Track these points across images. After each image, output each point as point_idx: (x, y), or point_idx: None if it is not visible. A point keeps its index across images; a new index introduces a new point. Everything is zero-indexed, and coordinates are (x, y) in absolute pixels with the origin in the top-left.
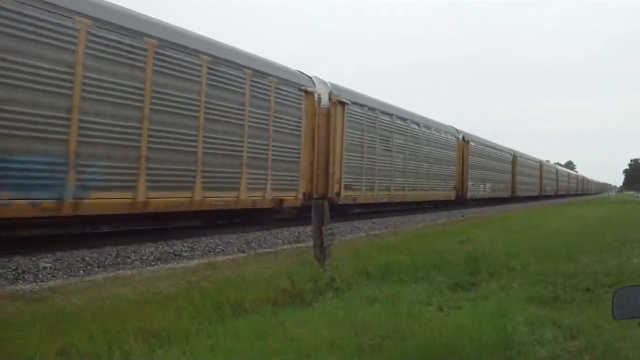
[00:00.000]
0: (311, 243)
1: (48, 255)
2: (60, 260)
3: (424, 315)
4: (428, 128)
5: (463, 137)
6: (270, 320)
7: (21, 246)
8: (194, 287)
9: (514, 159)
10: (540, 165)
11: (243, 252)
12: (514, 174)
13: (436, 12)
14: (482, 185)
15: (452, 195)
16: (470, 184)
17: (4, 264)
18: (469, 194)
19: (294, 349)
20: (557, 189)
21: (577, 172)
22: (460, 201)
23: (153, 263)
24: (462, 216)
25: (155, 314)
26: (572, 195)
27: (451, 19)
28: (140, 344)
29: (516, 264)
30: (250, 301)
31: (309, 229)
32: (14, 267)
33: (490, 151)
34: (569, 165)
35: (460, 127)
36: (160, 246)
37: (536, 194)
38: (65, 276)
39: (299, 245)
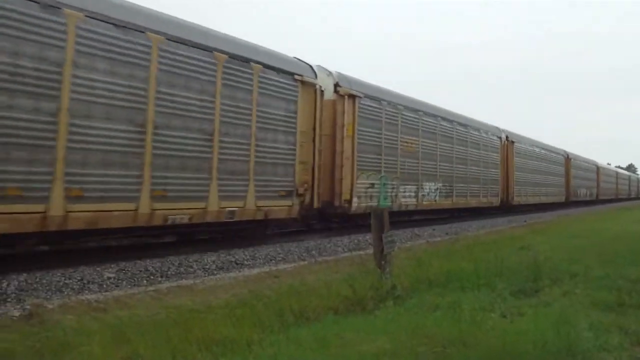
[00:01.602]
0: (371, 251)
1: (112, 266)
2: (124, 270)
3: (487, 322)
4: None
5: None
6: (332, 328)
7: (86, 257)
8: (255, 295)
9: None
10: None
11: (303, 260)
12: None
13: (485, 19)
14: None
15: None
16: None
17: (70, 274)
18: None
19: (356, 357)
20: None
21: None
22: (506, 207)
23: (215, 272)
24: (525, 222)
25: (218, 323)
26: (633, 199)
27: (502, 24)
28: (203, 353)
29: (578, 270)
30: (312, 309)
31: (368, 237)
32: (79, 278)
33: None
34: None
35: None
36: (222, 255)
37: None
38: (129, 286)
39: (359, 252)
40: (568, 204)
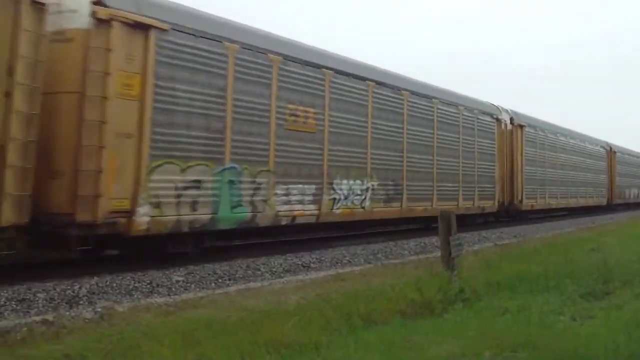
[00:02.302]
0: (438, 254)
1: (181, 269)
2: (192, 273)
3: (557, 325)
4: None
5: (511, 119)
6: (400, 331)
7: (155, 261)
8: (323, 298)
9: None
10: None
11: (369, 263)
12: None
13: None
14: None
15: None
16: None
17: (139, 277)
18: (526, 204)
19: None
20: None
21: None
22: (511, 214)
23: (282, 275)
24: (592, 223)
25: (286, 326)
26: None
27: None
28: (272, 356)
29: None
30: (379, 312)
31: (435, 240)
32: (148, 281)
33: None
34: None
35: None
36: (289, 258)
37: None
38: (198, 289)
39: (425, 256)
40: (612, 207)
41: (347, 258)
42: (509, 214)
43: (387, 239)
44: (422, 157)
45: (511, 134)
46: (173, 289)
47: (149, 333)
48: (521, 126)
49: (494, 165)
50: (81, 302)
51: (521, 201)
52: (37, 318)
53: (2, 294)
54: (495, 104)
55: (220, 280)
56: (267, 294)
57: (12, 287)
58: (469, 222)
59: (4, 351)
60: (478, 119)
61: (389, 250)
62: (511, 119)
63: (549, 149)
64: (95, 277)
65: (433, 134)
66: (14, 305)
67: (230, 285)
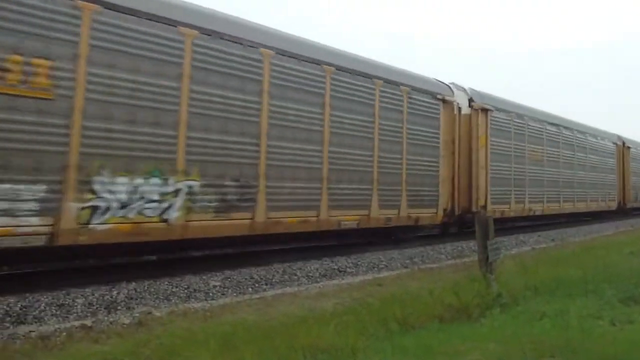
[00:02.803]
0: (475, 258)
1: (217, 274)
2: (229, 278)
3: (595, 330)
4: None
5: (470, 100)
6: (437, 336)
7: (193, 266)
8: (359, 303)
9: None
10: None
11: (406, 267)
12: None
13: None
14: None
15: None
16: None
17: (177, 283)
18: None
19: None
20: None
21: None
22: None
23: (319, 280)
24: (632, 227)
25: (323, 330)
26: None
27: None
28: None
29: None
30: (416, 317)
31: (472, 244)
32: (185, 286)
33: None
34: None
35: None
36: (325, 263)
37: None
38: (235, 294)
39: (462, 260)
40: (625, 211)
41: (384, 262)
42: (464, 225)
43: (424, 243)
44: (304, 146)
45: (469, 120)
46: (210, 294)
47: (187, 338)
48: (485, 110)
49: (436, 162)
50: (119, 307)
51: (484, 207)
52: (76, 323)
53: (41, 299)
54: (445, 82)
55: (257, 285)
56: (304, 299)
57: (51, 293)
58: (402, 236)
59: (45, 355)
60: (410, 98)
61: (425, 255)
62: (470, 101)
63: (531, 141)
64: (133, 283)
65: (324, 114)
66: (54, 310)
67: (267, 290)
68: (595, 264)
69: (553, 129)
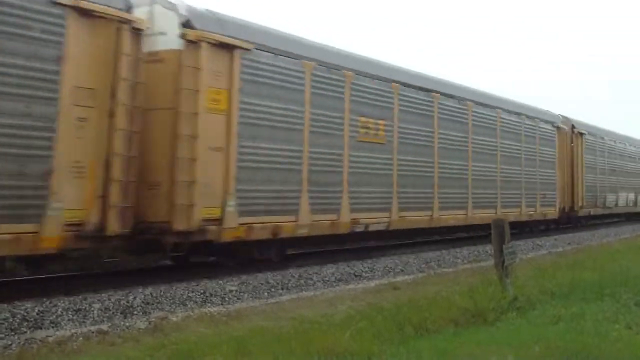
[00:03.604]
0: (491, 262)
1: (234, 279)
2: (246, 283)
3: (611, 333)
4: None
5: (572, 127)
6: (453, 340)
7: (209, 271)
8: (375, 307)
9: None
10: None
11: (422, 272)
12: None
13: None
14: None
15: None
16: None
17: (193, 287)
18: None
19: None
20: None
21: None
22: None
23: (334, 284)
24: None
25: (339, 335)
26: None
27: None
28: None
29: None
30: (432, 321)
31: (488, 248)
32: (202, 291)
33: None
34: None
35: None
36: (341, 267)
37: None
38: (251, 298)
39: (479, 264)
40: (575, 221)
41: (400, 267)
42: (570, 221)
43: (440, 247)
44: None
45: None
46: (226, 299)
47: (202, 342)
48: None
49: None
50: (135, 312)
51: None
52: (93, 328)
53: (59, 304)
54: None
55: (273, 290)
56: (320, 303)
57: (68, 298)
58: (534, 228)
59: None
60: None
61: (442, 259)
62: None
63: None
64: (150, 287)
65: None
66: (71, 315)
67: (283, 294)
68: (611, 268)
69: (621, 145)
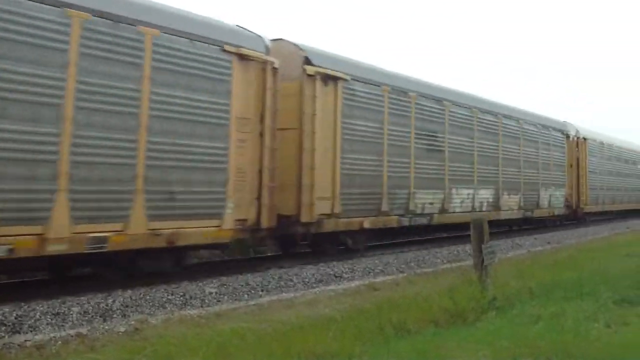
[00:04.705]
0: (471, 262)
1: (214, 281)
2: (225, 285)
3: (591, 332)
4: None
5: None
6: (433, 340)
7: (189, 273)
8: (355, 308)
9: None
10: None
11: (402, 272)
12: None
13: None
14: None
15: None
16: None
17: (173, 290)
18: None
19: None
20: None
21: None
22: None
23: (315, 285)
24: (627, 228)
25: (319, 336)
26: None
27: None
28: None
29: None
30: (412, 322)
31: (468, 248)
32: (181, 294)
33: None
34: None
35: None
36: (322, 268)
37: None
38: (230, 300)
39: (458, 264)
40: (579, 217)
41: (380, 267)
42: (576, 217)
43: (420, 247)
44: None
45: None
46: (206, 301)
47: (182, 345)
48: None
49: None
50: (115, 315)
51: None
52: (72, 331)
53: (37, 308)
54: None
55: (252, 292)
56: (300, 305)
57: (47, 301)
58: (549, 224)
59: None
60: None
61: (421, 259)
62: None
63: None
64: (129, 290)
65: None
66: (49, 319)
67: (263, 296)
68: (591, 266)
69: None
